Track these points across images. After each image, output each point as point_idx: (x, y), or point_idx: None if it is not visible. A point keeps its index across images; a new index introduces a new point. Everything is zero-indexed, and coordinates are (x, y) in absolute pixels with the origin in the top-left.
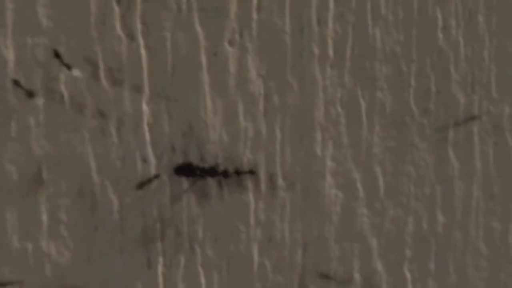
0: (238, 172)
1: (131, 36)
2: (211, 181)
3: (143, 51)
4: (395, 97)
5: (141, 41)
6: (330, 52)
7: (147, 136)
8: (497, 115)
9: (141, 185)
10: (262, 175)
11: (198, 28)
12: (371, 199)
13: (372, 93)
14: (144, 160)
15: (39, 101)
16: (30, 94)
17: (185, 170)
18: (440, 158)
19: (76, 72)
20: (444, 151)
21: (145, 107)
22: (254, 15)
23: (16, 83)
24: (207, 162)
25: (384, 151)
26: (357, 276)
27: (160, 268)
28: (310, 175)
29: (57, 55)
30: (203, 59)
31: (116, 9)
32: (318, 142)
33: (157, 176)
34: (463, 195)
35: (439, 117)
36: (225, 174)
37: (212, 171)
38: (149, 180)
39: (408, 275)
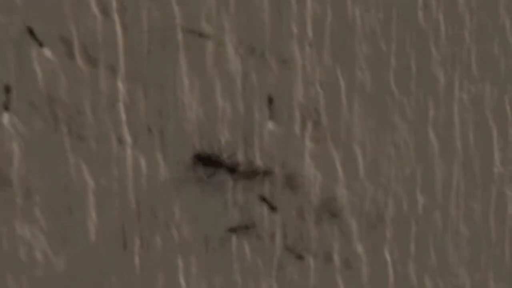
0: (255, 172)
1: (106, 13)
2: (187, 158)
3: (118, 29)
4: (374, 76)
5: (116, 18)
6: (309, 31)
7: (123, 115)
8: (477, 95)
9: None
10: (240, 156)
11: (175, 5)
12: (350, 180)
13: (351, 73)
14: (120, 141)
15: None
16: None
17: (205, 160)
18: (420, 138)
19: (47, 52)
20: (424, 131)
21: (120, 86)
22: None
23: None
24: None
25: (363, 131)
26: (336, 258)
27: (136, 250)
28: (289, 156)
29: (31, 32)
30: (180, 37)
31: None
32: (297, 122)
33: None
34: (444, 176)
35: (419, 97)
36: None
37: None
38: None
39: (388, 257)
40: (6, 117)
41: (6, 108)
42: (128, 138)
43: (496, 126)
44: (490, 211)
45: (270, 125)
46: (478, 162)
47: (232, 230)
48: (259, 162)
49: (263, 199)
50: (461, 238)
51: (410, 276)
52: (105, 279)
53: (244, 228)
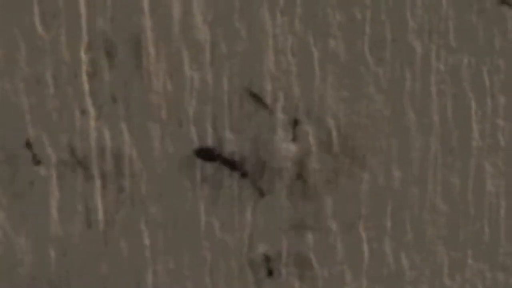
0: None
1: None
2: (153, 131)
3: None
4: (348, 45)
5: None
6: None
7: (86, 86)
8: (455, 65)
9: None
10: (208, 127)
11: None
12: (324, 153)
13: (324, 41)
14: (83, 112)
15: None
16: None
17: (204, 154)
18: (396, 110)
19: None
20: (400, 102)
21: (83, 55)
22: None
23: None
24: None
25: (337, 102)
26: (309, 235)
27: (101, 227)
28: (259, 128)
29: None
30: (145, 3)
31: None
32: (268, 93)
33: None
34: (421, 149)
35: (395, 67)
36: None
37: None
38: None
39: (363, 234)
40: None
41: None
42: (91, 110)
43: (474, 97)
44: (469, 185)
45: (239, 95)
46: (456, 135)
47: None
48: (228, 135)
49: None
50: (438, 213)
51: (386, 253)
52: (69, 258)
53: (212, 202)
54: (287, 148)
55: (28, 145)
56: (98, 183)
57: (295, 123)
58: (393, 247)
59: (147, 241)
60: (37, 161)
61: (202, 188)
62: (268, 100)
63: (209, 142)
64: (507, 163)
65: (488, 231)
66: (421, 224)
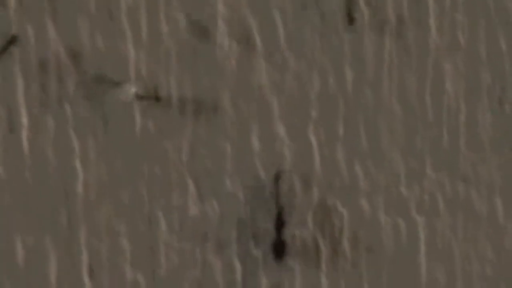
0: None
1: None
2: (84, 39)
3: None
4: None
5: None
6: None
7: None
8: None
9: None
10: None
11: None
12: (270, 51)
13: None
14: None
15: None
16: None
17: None
18: (348, 4)
19: None
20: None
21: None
22: None
23: None
24: None
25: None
26: (255, 141)
27: (24, 133)
28: (200, 20)
29: None
30: None
31: None
32: None
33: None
34: (374, 47)
35: None
36: None
37: None
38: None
39: (313, 140)
40: None
41: None
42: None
43: None
44: (426, 87)
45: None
46: (412, 32)
47: (138, 97)
48: (164, 27)
49: None
50: (394, 118)
51: (338, 161)
52: None
53: (147, 100)
54: (230, 44)
55: None
56: (19, 82)
57: (239, 16)
58: (345, 154)
59: (76, 147)
60: None
61: (137, 84)
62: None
63: (143, 34)
64: (467, 62)
65: (447, 137)
66: (376, 129)
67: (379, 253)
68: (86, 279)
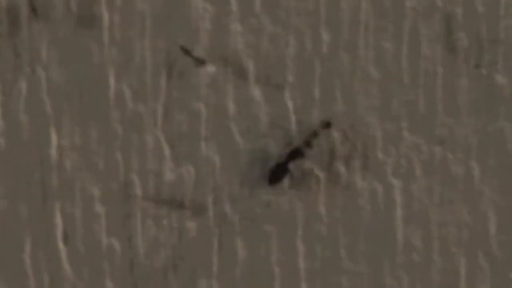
0: None
1: None
2: (60, 9)
3: None
4: None
5: None
6: None
7: None
8: None
9: None
10: None
11: None
12: (245, 14)
13: None
14: None
15: None
16: None
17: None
18: None
19: None
20: None
21: None
22: None
23: None
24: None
25: None
26: (231, 105)
27: None
28: None
29: None
30: None
31: None
32: None
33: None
34: (350, 9)
35: None
36: None
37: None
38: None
39: (289, 104)
40: None
41: None
42: None
43: None
44: (403, 50)
45: None
46: None
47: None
48: None
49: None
50: (370, 81)
51: (314, 125)
52: None
53: (124, 67)
54: (204, 7)
55: None
56: None
57: None
58: (321, 117)
59: (50, 113)
60: None
61: (110, 51)
62: None
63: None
64: (444, 25)
65: (423, 101)
66: (352, 93)
67: (356, 218)
68: (61, 245)
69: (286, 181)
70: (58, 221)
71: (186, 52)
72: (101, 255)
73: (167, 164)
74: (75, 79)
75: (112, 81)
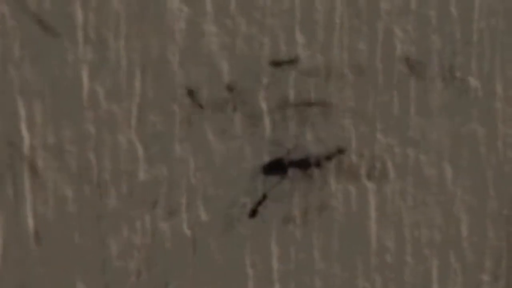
0: None
1: None
2: None
3: None
4: None
5: None
6: None
7: None
8: None
9: None
10: None
11: None
12: (220, 15)
13: None
14: None
15: None
16: None
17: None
18: None
19: None
20: None
21: None
22: None
23: None
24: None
25: None
26: (207, 104)
27: None
28: None
29: None
30: None
31: None
32: None
33: None
34: (325, 11)
35: None
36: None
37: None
38: None
39: (263, 106)
40: None
41: None
42: None
43: None
44: (377, 52)
45: None
46: None
47: (85, 60)
48: None
49: None
50: (344, 82)
51: (289, 129)
52: None
53: (97, 66)
54: (179, 8)
55: None
56: None
57: None
58: (296, 120)
59: (22, 112)
60: None
61: (85, 50)
62: None
63: None
64: (417, 27)
65: (397, 103)
66: (326, 94)
67: (329, 220)
68: (33, 246)
69: (260, 183)
70: (30, 221)
71: (191, 94)
72: (73, 256)
73: (140, 164)
74: (47, 77)
75: (85, 80)
